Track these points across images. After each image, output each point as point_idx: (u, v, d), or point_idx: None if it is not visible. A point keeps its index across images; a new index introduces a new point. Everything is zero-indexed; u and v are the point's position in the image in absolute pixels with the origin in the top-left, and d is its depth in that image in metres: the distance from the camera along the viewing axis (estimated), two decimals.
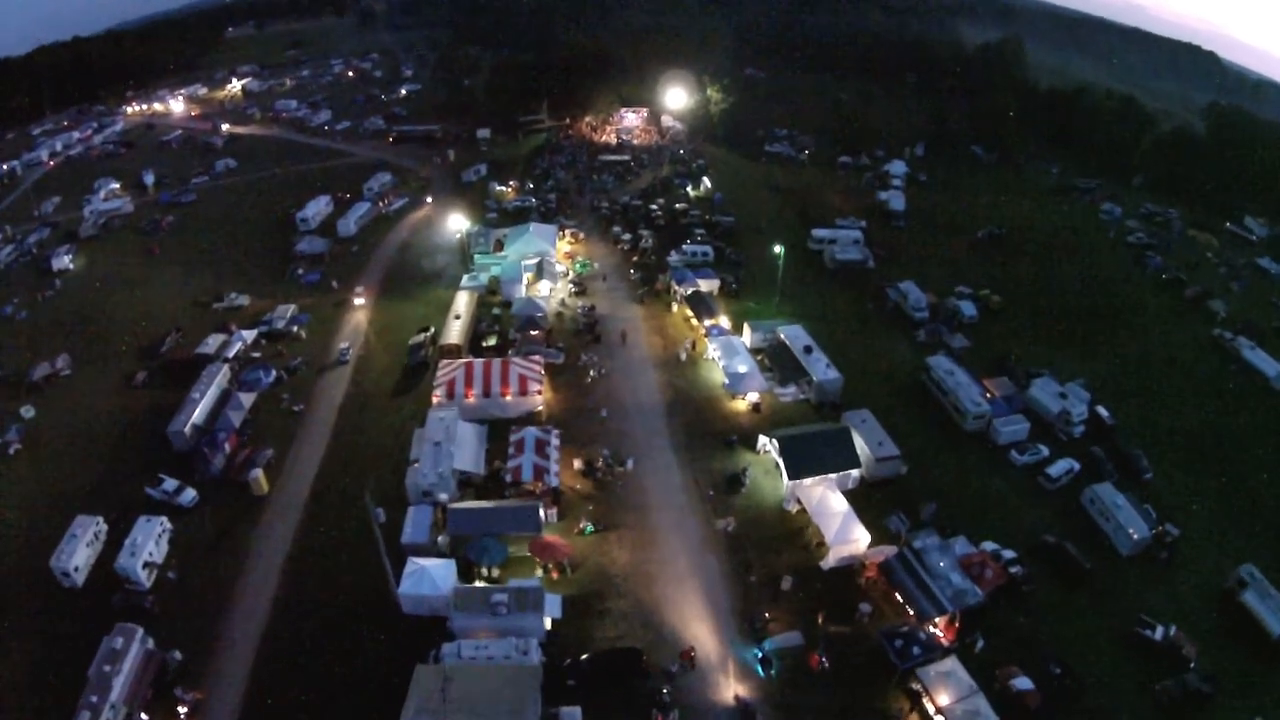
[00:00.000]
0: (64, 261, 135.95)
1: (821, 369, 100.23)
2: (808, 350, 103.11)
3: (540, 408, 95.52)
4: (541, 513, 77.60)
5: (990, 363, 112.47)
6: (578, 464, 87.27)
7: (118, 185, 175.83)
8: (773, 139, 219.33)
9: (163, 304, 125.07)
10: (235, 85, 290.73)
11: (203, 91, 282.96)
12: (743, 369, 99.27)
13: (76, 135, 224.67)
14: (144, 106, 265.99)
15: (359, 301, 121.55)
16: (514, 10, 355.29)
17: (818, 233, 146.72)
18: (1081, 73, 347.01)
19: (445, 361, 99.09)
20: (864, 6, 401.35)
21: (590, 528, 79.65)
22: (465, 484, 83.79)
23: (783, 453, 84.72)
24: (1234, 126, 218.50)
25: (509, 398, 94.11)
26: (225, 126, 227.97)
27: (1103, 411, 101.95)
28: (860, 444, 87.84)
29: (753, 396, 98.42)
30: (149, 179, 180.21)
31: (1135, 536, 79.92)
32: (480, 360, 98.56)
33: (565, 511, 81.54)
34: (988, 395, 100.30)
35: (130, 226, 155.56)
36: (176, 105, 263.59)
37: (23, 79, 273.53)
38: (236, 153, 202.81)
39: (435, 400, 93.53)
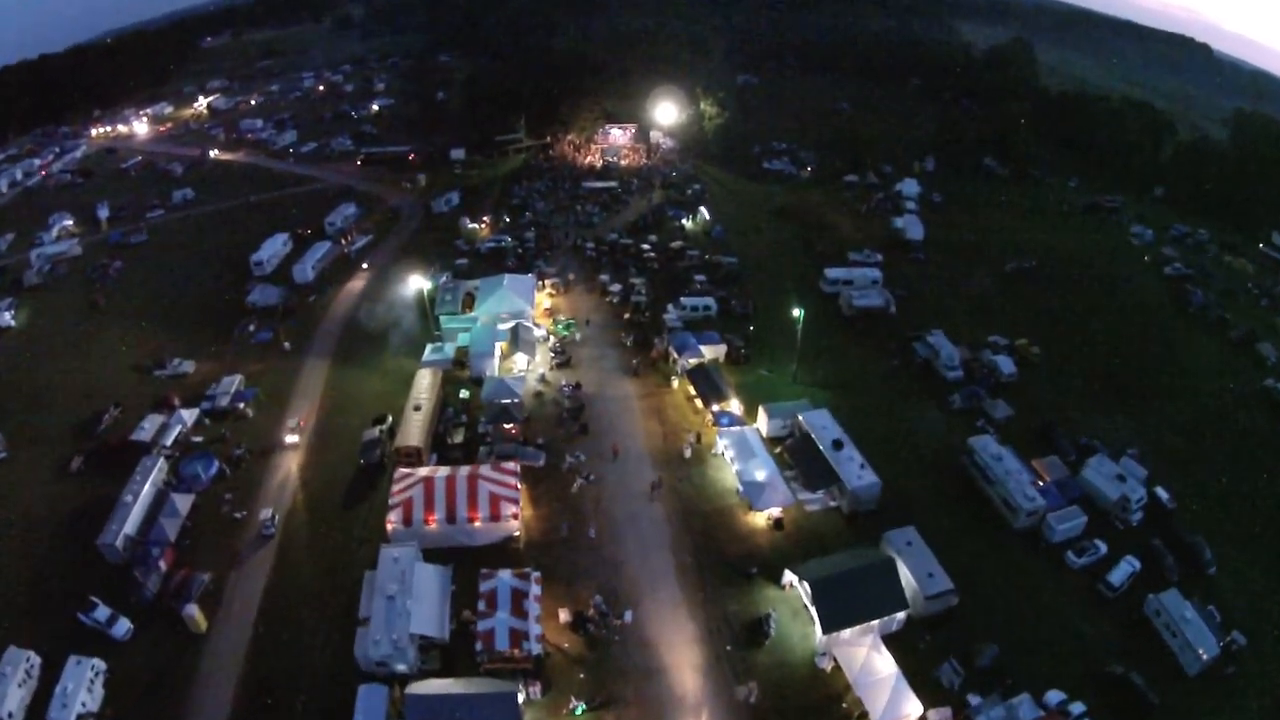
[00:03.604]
0: (4, 318, 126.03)
1: (855, 472, 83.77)
2: (837, 445, 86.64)
3: (517, 533, 79.38)
4: (521, 696, 62.37)
5: (1036, 434, 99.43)
6: (564, 616, 71.39)
7: (71, 221, 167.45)
8: (771, 154, 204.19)
9: (103, 369, 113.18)
10: (201, 103, 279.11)
11: (169, 110, 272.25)
12: (761, 476, 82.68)
13: (38, 162, 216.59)
14: (108, 129, 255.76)
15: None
16: (491, 15, 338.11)
17: (831, 273, 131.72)
18: (1081, 71, 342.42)
19: (402, 471, 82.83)
20: (861, 6, 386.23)
21: (581, 707, 63.93)
22: (428, 646, 68.19)
23: (815, 600, 69.34)
24: (1258, 133, 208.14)
25: (478, 524, 78.00)
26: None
27: (1162, 494, 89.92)
28: (906, 575, 73.09)
29: (774, 510, 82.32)
30: (103, 212, 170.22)
31: (1204, 657, 70.04)
32: (443, 473, 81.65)
33: (551, 683, 65.79)
34: (1038, 482, 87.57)
35: (77, 272, 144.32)
36: (140, 127, 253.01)
37: None
38: (196, 181, 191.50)
39: (389, 526, 77.65)
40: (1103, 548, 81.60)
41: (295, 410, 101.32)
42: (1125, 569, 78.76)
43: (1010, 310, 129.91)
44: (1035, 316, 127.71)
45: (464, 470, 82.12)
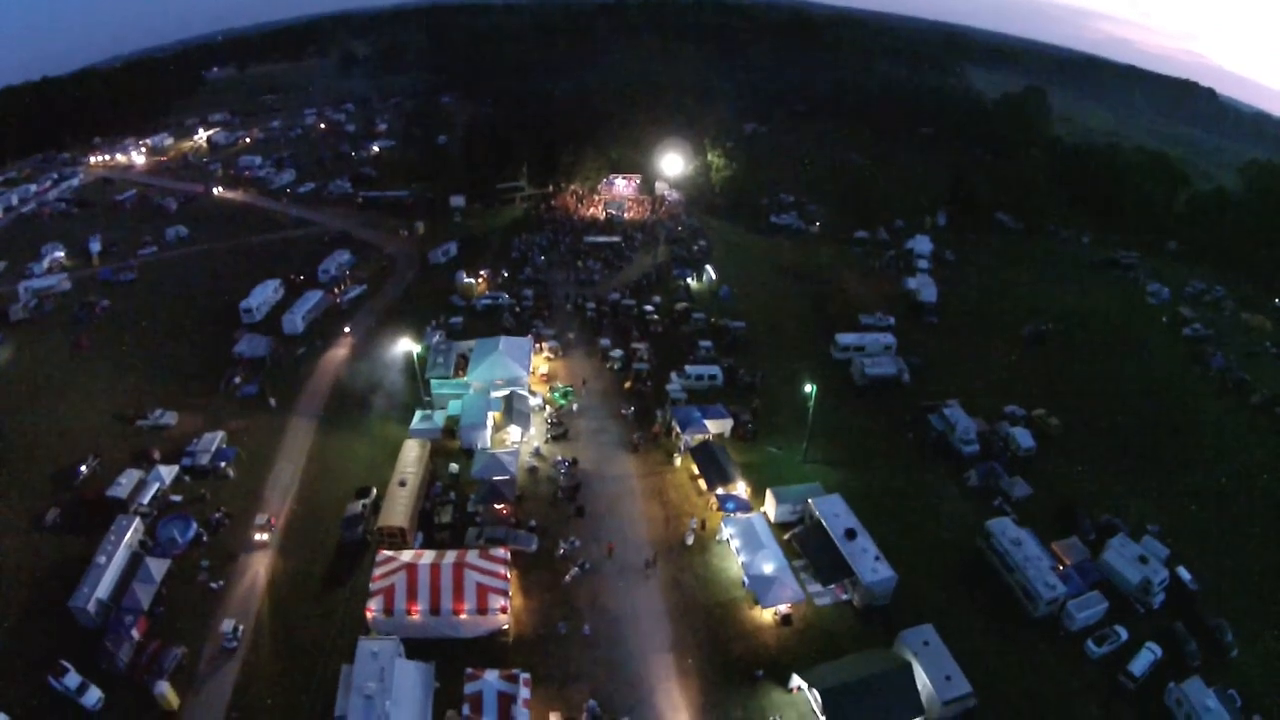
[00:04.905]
0: None
1: (869, 566, 78.30)
2: (850, 535, 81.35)
3: (505, 626, 73.68)
4: None
5: (1056, 514, 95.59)
6: None
7: (63, 253, 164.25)
8: (779, 208, 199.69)
9: (83, 416, 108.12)
10: (201, 136, 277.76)
11: (168, 142, 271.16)
12: (769, 569, 77.02)
13: (34, 188, 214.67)
14: (107, 157, 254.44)
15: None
16: (496, 59, 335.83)
17: (843, 339, 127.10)
18: (1091, 119, 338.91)
19: (385, 555, 77.10)
20: (871, 54, 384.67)
21: None
22: None
23: (826, 711, 64.13)
24: (1271, 184, 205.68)
25: (464, 616, 72.42)
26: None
27: (1184, 574, 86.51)
28: (923, 678, 67.95)
29: (782, 606, 76.65)
30: (95, 247, 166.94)
31: None
32: (428, 560, 76.08)
33: None
34: (1059, 567, 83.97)
35: (64, 309, 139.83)
36: (139, 158, 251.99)
37: None
38: (190, 218, 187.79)
39: (369, 615, 72.20)
40: (1124, 634, 78.39)
41: (278, 473, 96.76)
42: (1147, 657, 75.96)
43: (1028, 377, 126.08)
44: (1053, 383, 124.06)
45: (450, 557, 76.50)
